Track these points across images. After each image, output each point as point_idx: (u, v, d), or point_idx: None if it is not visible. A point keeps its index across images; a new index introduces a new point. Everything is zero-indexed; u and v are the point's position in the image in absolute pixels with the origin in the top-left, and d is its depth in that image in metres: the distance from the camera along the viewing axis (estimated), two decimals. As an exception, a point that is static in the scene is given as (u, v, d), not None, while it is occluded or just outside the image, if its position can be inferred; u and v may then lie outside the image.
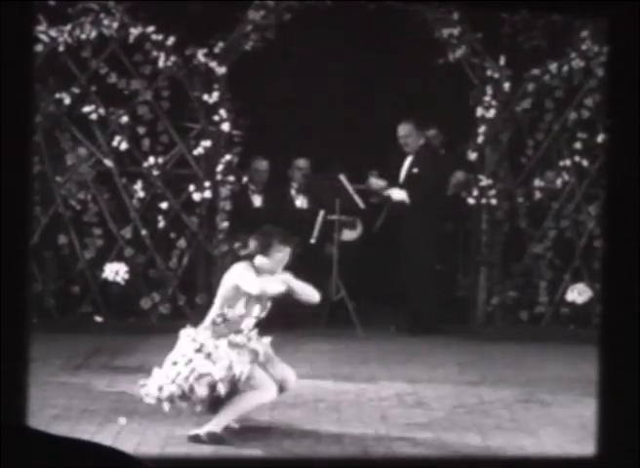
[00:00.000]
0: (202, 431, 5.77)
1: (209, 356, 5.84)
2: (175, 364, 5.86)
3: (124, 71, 9.33)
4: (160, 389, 5.79)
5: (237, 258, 9.67)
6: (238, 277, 6.07)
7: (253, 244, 6.23)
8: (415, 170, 9.71)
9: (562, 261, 9.71)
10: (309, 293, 6.26)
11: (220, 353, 5.83)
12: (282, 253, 6.17)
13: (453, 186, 10.05)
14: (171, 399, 5.79)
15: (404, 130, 9.72)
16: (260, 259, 6.14)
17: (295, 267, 9.93)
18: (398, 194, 9.74)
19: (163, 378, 5.81)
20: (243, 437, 5.89)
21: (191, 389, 5.75)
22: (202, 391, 5.74)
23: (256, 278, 6.03)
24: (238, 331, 6.00)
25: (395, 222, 9.85)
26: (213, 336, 5.94)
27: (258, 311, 6.11)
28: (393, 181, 9.82)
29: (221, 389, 5.74)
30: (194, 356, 5.84)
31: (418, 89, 9.62)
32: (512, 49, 9.52)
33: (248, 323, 6.05)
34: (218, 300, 6.15)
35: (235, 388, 5.77)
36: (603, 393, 4.33)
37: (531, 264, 9.71)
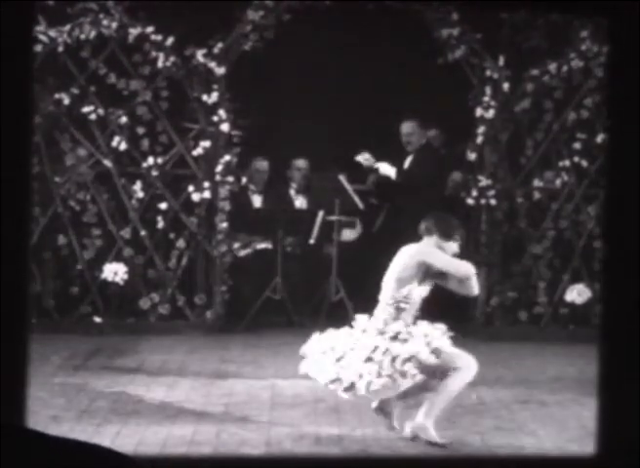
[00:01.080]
0: (411, 426, 5.81)
1: (406, 341, 5.74)
2: (370, 359, 5.69)
3: (123, 71, 9.33)
4: (368, 385, 5.65)
5: (236, 258, 9.72)
6: (430, 256, 5.97)
7: (434, 227, 6.08)
8: (415, 169, 9.70)
9: (561, 262, 9.71)
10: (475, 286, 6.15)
11: (415, 333, 5.78)
12: (459, 242, 6.11)
13: (450, 187, 10.05)
14: (378, 391, 5.71)
15: (407, 128, 9.71)
16: (441, 243, 6.03)
17: (295, 268, 9.93)
18: (386, 169, 9.71)
19: (364, 375, 5.68)
20: (242, 437, 5.90)
21: (403, 374, 5.65)
22: (412, 372, 5.65)
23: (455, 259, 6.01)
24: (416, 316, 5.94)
25: (394, 222, 9.85)
26: (398, 320, 5.85)
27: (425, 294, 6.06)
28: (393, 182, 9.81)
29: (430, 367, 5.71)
30: (390, 345, 5.72)
31: (417, 89, 9.62)
32: (511, 49, 9.52)
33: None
34: (393, 282, 5.97)
35: (440, 367, 5.74)
36: (602, 393, 4.33)
37: (530, 265, 9.71)
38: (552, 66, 9.61)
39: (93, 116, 9.33)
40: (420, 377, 5.69)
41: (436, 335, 5.80)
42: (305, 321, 9.42)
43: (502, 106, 9.60)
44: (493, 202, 9.62)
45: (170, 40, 9.28)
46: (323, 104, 10.00)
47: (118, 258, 9.35)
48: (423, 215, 9.46)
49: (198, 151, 9.44)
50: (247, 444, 5.79)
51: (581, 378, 7.17)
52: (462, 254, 6.15)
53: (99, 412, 6.33)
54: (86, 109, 9.31)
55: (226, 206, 9.47)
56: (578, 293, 9.58)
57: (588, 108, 9.63)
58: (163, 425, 6.06)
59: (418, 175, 9.63)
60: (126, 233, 9.38)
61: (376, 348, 5.71)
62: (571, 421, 6.41)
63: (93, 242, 9.35)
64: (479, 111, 9.62)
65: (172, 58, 9.33)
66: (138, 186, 9.38)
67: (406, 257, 6.00)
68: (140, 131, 9.38)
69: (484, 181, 9.63)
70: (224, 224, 9.45)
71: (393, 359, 5.65)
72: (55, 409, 6.35)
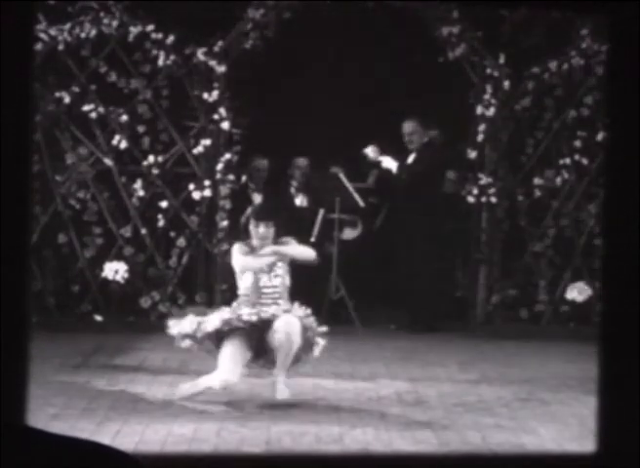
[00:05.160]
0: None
1: None
2: None
3: (124, 70, 9.34)
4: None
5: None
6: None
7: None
8: (417, 167, 9.70)
9: (562, 260, 9.72)
10: (303, 253, 7.04)
11: None
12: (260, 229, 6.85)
13: (446, 185, 10.02)
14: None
15: (409, 127, 9.71)
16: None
17: (295, 266, 9.94)
18: (388, 162, 9.71)
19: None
20: (242, 435, 5.90)
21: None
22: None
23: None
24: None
25: (395, 221, 9.86)
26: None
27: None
28: (394, 179, 9.81)
29: None
30: None
31: (417, 87, 9.62)
32: (512, 47, 9.52)
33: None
34: None
35: None
36: (603, 391, 4.33)
37: (531, 263, 9.72)
38: (553, 64, 9.61)
39: (93, 114, 9.33)
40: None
41: None
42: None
43: (503, 104, 9.60)
44: (493, 200, 9.63)
45: (170, 38, 9.29)
46: (323, 102, 10.00)
47: (119, 257, 9.35)
48: (424, 214, 9.56)
49: (198, 149, 9.44)
50: (247, 442, 5.79)
51: (582, 376, 7.17)
52: None
53: (99, 411, 6.33)
54: (86, 108, 9.32)
55: (227, 204, 9.48)
56: (578, 292, 9.58)
57: (589, 106, 9.64)
58: (164, 423, 6.06)
59: (419, 174, 9.63)
60: (126, 231, 9.38)
61: None
62: (571, 419, 6.41)
63: (93, 240, 9.36)
64: (480, 109, 9.62)
65: (172, 57, 9.33)
66: (138, 185, 9.39)
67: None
68: (141, 129, 9.39)
69: (485, 179, 9.64)
70: (225, 223, 9.45)
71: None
72: (55, 407, 6.35)
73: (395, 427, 6.17)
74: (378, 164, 9.83)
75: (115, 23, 9.26)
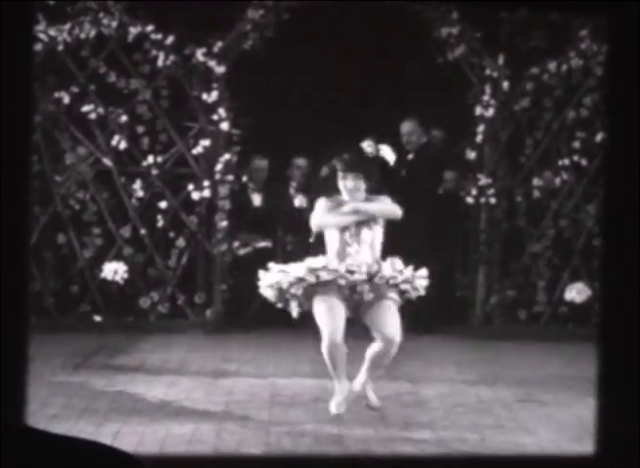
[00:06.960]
0: None
1: None
2: None
3: (123, 70, 9.34)
4: None
5: (236, 257, 9.72)
6: None
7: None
8: (416, 168, 9.70)
9: (561, 260, 9.72)
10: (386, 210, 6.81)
11: None
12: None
13: (444, 185, 10.00)
14: None
15: (407, 127, 9.70)
16: None
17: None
18: (387, 152, 9.68)
19: None
20: (242, 436, 5.91)
21: None
22: None
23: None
24: None
25: (393, 221, 9.84)
26: None
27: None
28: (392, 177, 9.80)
29: None
30: None
31: (417, 88, 9.62)
32: (511, 48, 9.52)
33: None
34: None
35: None
36: (602, 392, 4.33)
37: (530, 263, 9.72)
38: (552, 65, 9.61)
39: (93, 115, 9.33)
40: None
41: None
42: (305, 319, 9.41)
43: (502, 105, 9.60)
44: (492, 200, 9.62)
45: (170, 39, 9.29)
46: (323, 103, 10.00)
47: (118, 257, 9.35)
48: (423, 214, 9.55)
49: (198, 150, 9.44)
50: (246, 443, 5.79)
51: (581, 377, 7.16)
52: None
53: (99, 411, 6.33)
54: (86, 108, 9.31)
55: (226, 204, 9.47)
56: (577, 292, 9.59)
57: (588, 107, 9.64)
58: (163, 424, 6.06)
59: (417, 174, 9.63)
60: (126, 232, 9.38)
61: None
62: (570, 420, 6.41)
63: (93, 241, 9.35)
64: (479, 110, 9.62)
65: (172, 57, 9.33)
66: (137, 185, 9.39)
67: None
68: (140, 129, 9.39)
69: (483, 180, 9.64)
70: (224, 223, 9.45)
71: None
72: (55, 408, 6.35)
73: (394, 428, 6.18)
74: (377, 156, 9.78)
75: (115, 24, 9.26)
